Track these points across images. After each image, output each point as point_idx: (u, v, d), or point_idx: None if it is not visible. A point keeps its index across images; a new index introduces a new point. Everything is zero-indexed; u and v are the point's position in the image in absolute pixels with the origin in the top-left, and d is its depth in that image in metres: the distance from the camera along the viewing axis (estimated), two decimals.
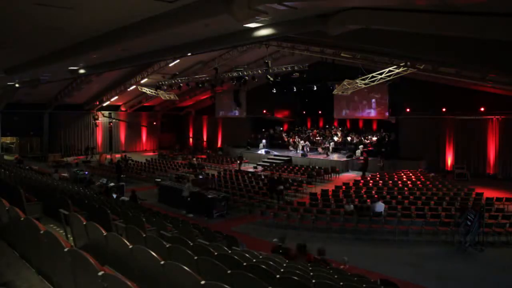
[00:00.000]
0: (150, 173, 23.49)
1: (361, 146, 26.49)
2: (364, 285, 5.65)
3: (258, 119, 33.64)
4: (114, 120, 33.52)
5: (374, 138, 27.85)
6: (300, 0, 6.32)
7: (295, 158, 26.54)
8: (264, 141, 31.02)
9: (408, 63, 17.34)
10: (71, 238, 5.11)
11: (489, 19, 6.08)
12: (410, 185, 17.62)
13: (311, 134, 31.00)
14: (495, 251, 10.89)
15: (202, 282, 2.84)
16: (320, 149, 27.36)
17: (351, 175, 22.59)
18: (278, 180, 17.31)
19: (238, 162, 26.31)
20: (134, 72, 25.59)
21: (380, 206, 12.78)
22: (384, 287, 6.57)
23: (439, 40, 9.98)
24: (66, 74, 16.31)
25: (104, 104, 31.34)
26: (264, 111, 32.76)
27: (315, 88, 25.64)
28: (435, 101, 23.21)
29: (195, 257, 4.03)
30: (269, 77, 19.65)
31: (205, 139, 37.99)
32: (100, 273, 2.59)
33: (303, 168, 23.04)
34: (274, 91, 25.93)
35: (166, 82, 25.19)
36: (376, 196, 14.58)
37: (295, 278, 4.55)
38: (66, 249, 2.99)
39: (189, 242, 5.35)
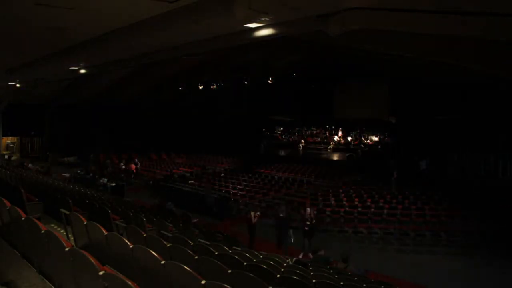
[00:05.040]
0: None
1: (361, 146, 26.50)
2: (364, 285, 5.65)
3: (258, 119, 33.62)
4: None
5: (375, 138, 27.84)
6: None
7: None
8: (264, 141, 31.06)
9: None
10: (72, 238, 5.12)
11: (490, 19, 6.08)
12: None
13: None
14: None
15: (203, 282, 2.84)
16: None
17: None
18: None
19: None
20: (135, 71, 25.53)
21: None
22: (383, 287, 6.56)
23: (438, 40, 9.97)
24: (67, 74, 16.31)
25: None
26: (264, 111, 32.71)
27: (315, 88, 25.66)
28: (435, 101, 23.15)
29: (196, 257, 4.03)
30: (269, 77, 19.67)
31: None
32: (100, 273, 2.60)
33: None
34: (274, 91, 25.91)
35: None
36: None
37: (296, 278, 4.54)
38: (67, 249, 3.00)
39: (190, 242, 5.35)
